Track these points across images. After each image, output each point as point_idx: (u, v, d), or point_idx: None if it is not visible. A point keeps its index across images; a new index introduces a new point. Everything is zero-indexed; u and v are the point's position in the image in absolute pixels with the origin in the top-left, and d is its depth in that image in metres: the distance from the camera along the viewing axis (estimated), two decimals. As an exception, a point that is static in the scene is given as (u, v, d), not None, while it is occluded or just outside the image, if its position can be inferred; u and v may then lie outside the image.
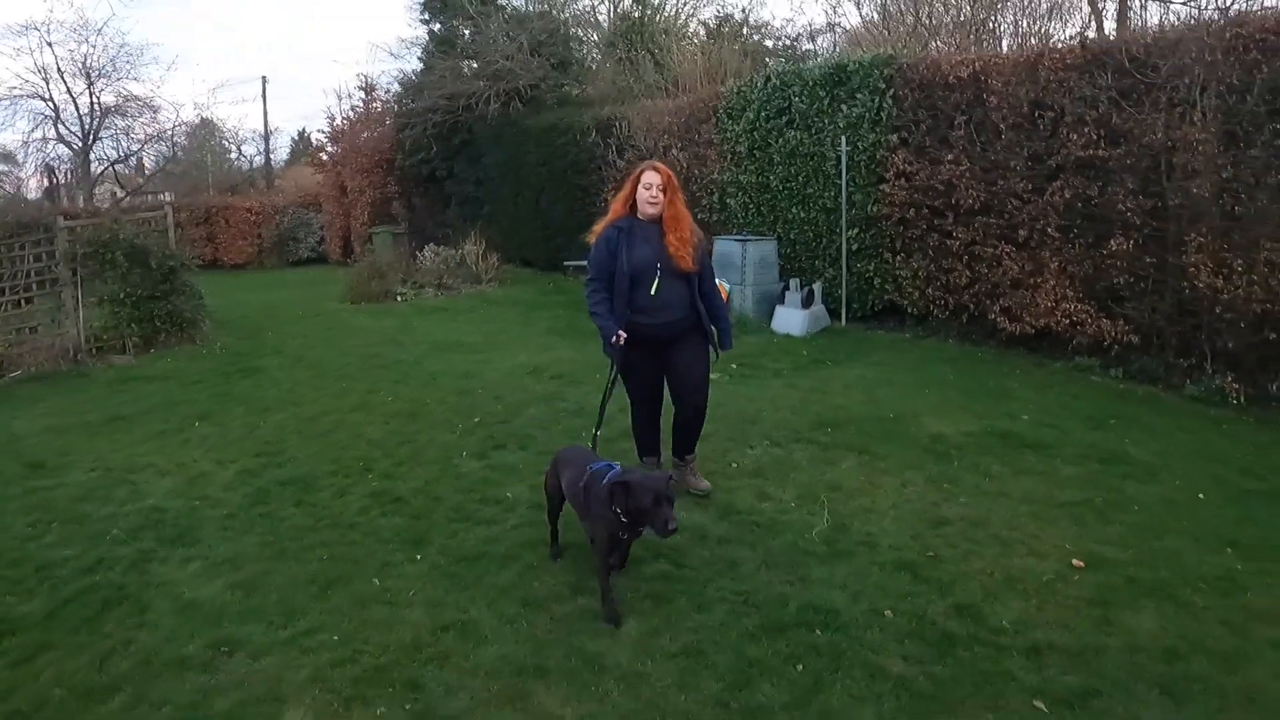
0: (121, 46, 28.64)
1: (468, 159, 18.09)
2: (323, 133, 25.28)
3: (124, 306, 10.26)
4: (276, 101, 72.16)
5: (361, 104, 22.12)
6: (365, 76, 36.60)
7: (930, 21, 13.73)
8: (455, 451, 6.34)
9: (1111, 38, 9.30)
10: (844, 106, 9.98)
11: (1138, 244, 7.82)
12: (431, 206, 19.82)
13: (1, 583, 4.64)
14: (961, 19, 13.45)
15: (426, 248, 15.25)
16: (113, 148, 28.17)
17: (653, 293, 4.94)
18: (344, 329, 11.52)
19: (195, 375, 9.24)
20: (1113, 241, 7.93)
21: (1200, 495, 5.33)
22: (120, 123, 27.51)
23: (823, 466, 5.90)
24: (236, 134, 43.70)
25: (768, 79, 11.07)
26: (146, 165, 30.90)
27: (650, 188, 4.97)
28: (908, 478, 5.69)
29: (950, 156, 9.15)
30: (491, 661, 3.70)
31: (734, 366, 8.57)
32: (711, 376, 8.21)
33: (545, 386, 8.02)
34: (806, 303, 10.17)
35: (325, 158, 23.06)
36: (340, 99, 46.88)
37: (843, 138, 9.93)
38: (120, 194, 28.15)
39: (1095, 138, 7.95)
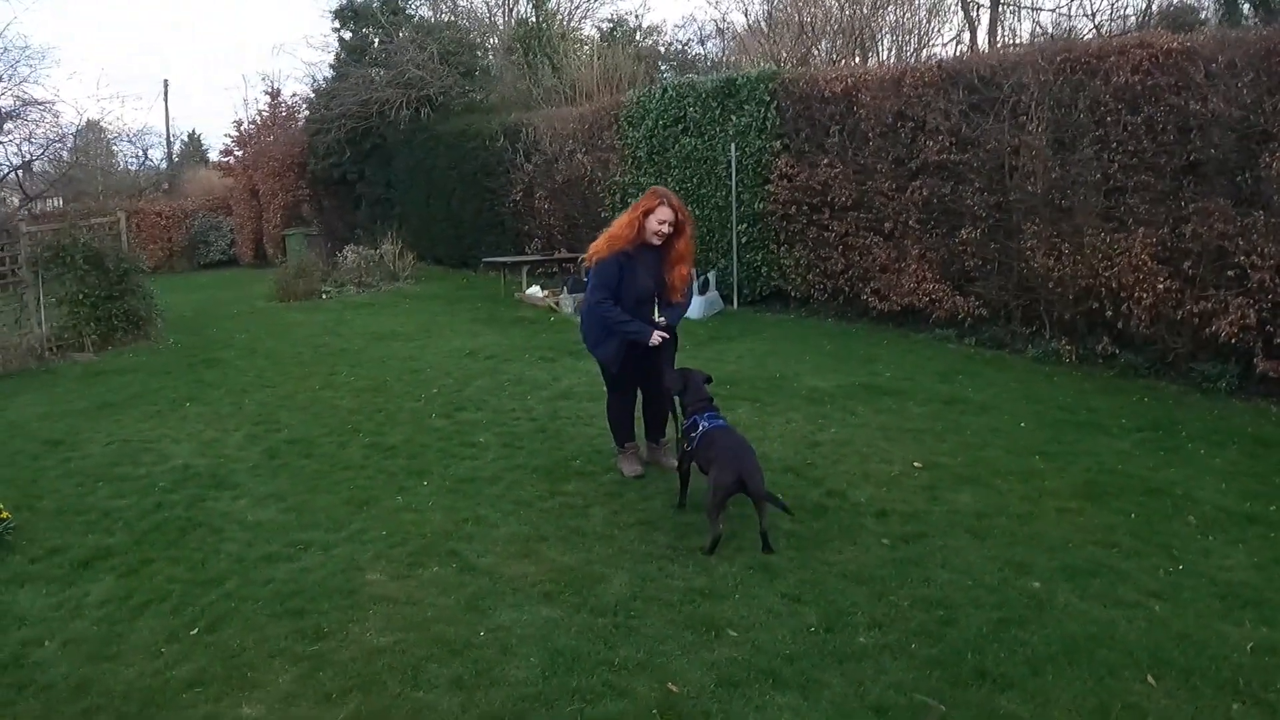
0: (24, 50, 27.68)
1: (379, 162, 18.71)
2: (230, 136, 25.43)
3: (83, 306, 10.64)
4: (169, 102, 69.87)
5: (268, 108, 22.49)
6: (269, 79, 36.44)
7: (814, 28, 15.00)
8: (424, 414, 7.21)
9: (971, 52, 10.67)
10: (734, 116, 11.21)
11: (984, 233, 9.10)
12: (342, 208, 20.27)
13: (79, 525, 5.27)
14: (843, 25, 14.75)
15: (347, 248, 15.86)
16: (15, 154, 27.56)
17: (656, 316, 5.45)
18: (282, 324, 12.09)
19: (161, 368, 9.71)
20: (964, 231, 9.22)
21: (1021, 424, 6.60)
22: (21, 128, 27.00)
23: (724, 412, 7.04)
24: (138, 136, 42.64)
25: (665, 90, 12.25)
26: (45, 170, 30.25)
27: (664, 224, 5.21)
28: (790, 417, 6.89)
29: (826, 160, 10.41)
30: (505, 536, 4.84)
31: (642, 345, 9.66)
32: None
33: (483, 365, 8.89)
34: (703, 290, 11.32)
35: (233, 161, 23.30)
36: (246, 103, 46.26)
37: (732, 144, 11.14)
38: (17, 201, 27.59)
39: (949, 144, 9.24)
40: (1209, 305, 7.19)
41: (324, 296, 14.01)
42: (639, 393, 5.83)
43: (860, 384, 7.82)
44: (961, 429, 6.53)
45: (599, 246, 5.36)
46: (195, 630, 3.95)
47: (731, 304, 11.74)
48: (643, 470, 5.73)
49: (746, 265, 11.65)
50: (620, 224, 5.32)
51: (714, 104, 11.45)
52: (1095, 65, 7.95)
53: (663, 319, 5.47)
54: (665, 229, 5.20)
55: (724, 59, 17.23)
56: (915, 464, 5.80)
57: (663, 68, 17.99)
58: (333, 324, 11.55)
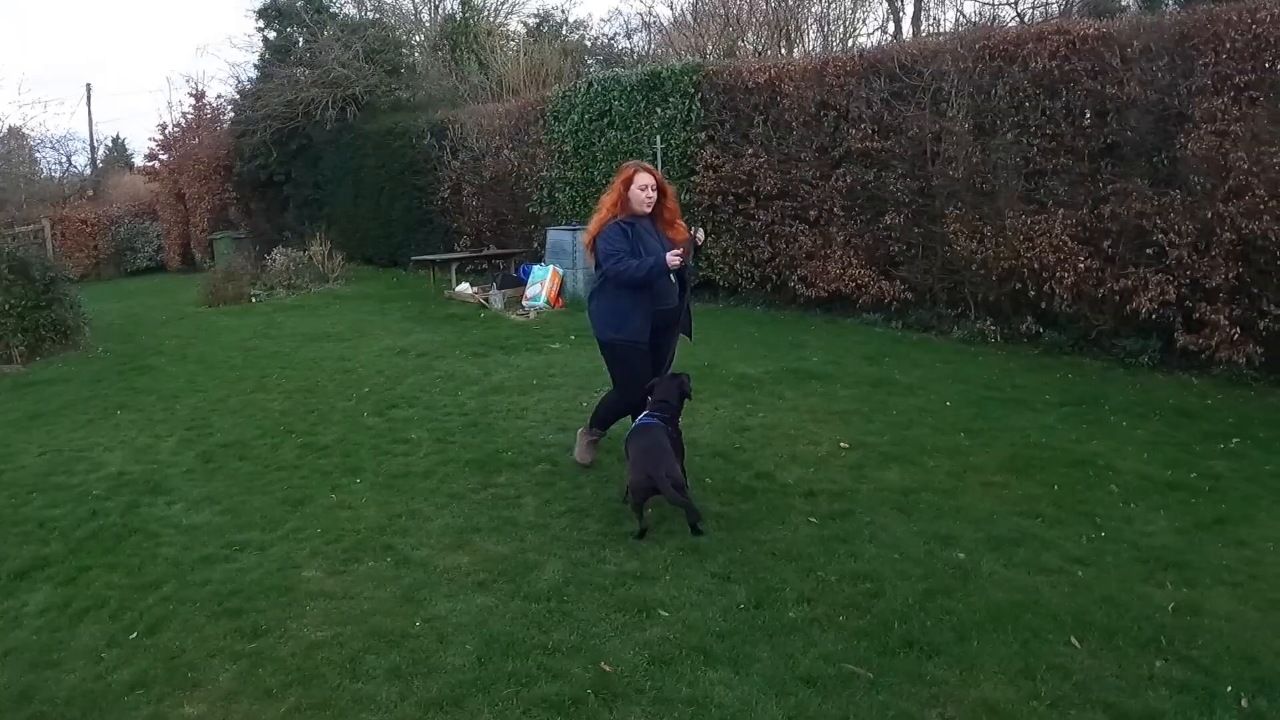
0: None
1: (306, 163, 18.39)
2: (154, 140, 24.70)
3: (9, 317, 10.24)
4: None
5: (192, 110, 21.97)
6: (194, 81, 35.44)
7: (740, 20, 15.12)
8: (357, 413, 7.10)
9: (893, 40, 10.84)
10: (658, 109, 11.24)
11: (908, 218, 9.26)
12: (269, 210, 19.88)
13: (14, 536, 5.12)
14: (769, 17, 14.87)
15: (275, 250, 15.56)
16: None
17: (673, 281, 5.21)
18: (212, 329, 11.83)
19: (92, 376, 9.43)
20: (887, 217, 9.38)
21: (947, 403, 6.72)
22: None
23: (652, 399, 7.08)
24: (61, 143, 41.31)
25: (590, 85, 12.24)
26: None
27: (646, 188, 5.11)
28: (719, 404, 6.91)
29: (751, 150, 10.49)
30: (439, 529, 4.82)
31: (573, 337, 9.62)
32: (554, 346, 9.38)
33: (415, 362, 8.77)
34: (633, 283, 11.34)
35: (158, 165, 22.70)
36: (170, 106, 44.98)
37: (658, 136, 11.15)
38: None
39: (871, 132, 9.38)
40: (1129, 283, 7.39)
41: (253, 300, 13.72)
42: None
43: (788, 369, 7.88)
44: (888, 409, 6.62)
45: (594, 225, 5.24)
46: (135, 634, 3.91)
47: (661, 296, 11.70)
48: (592, 462, 5.68)
49: (674, 256, 11.62)
50: (605, 202, 5.23)
51: (639, 97, 11.48)
52: (1014, 52, 8.14)
53: (677, 255, 5.08)
54: (650, 193, 5.14)
55: (650, 52, 17.27)
56: (842, 445, 5.86)
57: (589, 62, 17.92)
58: (263, 327, 11.33)
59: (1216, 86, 6.72)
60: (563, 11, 23.42)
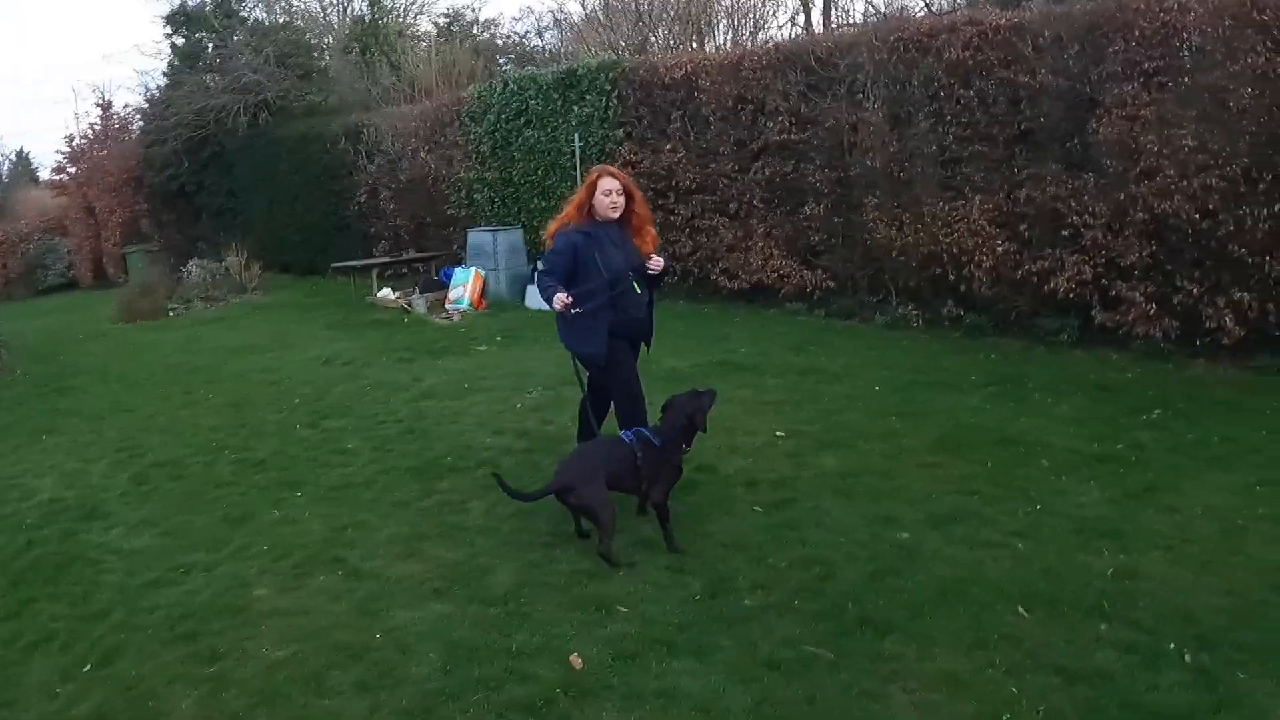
0: None
1: (219, 171, 17.87)
2: (61, 153, 23.69)
3: None
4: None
5: (100, 121, 21.14)
6: (100, 91, 34.04)
7: (651, 15, 15.17)
8: (289, 426, 6.94)
9: (805, 35, 11.00)
10: (575, 107, 11.22)
11: (828, 208, 9.39)
12: (182, 221, 19.24)
13: None
14: (680, 11, 14.95)
15: (192, 262, 15.08)
16: None
17: (639, 292, 5.01)
18: (133, 345, 11.43)
19: (13, 400, 9.08)
20: (807, 208, 9.51)
21: (876, 388, 6.85)
22: None
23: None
24: None
25: (506, 84, 12.16)
26: None
27: (610, 193, 4.93)
28: (652, 399, 6.89)
29: (669, 146, 10.53)
30: (387, 538, 4.75)
31: (499, 339, 9.56)
32: (481, 349, 9.29)
33: (342, 371, 8.60)
34: (557, 282, 11.31)
35: (66, 179, 21.79)
36: (77, 117, 43.09)
37: (576, 134, 11.15)
38: None
39: (789, 124, 9.49)
40: (1046, 264, 7.61)
41: (171, 314, 13.26)
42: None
43: (717, 361, 7.96)
44: (819, 397, 6.72)
45: (552, 226, 5.13)
46: (89, 666, 3.79)
47: (586, 294, 11.70)
48: None
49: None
50: (570, 204, 5.08)
51: (555, 95, 11.45)
52: (928, 43, 8.32)
53: (653, 263, 4.99)
54: (616, 198, 4.94)
55: (562, 50, 17.22)
56: (778, 434, 5.94)
57: (501, 61, 17.80)
58: (184, 342, 10.99)
59: (1126, 73, 6.98)
60: (473, 11, 23.20)
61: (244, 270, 14.26)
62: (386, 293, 11.61)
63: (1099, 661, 3.22)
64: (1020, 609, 3.59)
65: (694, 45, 15.77)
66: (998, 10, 8.10)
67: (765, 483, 5.10)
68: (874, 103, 8.80)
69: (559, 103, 11.42)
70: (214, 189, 18.13)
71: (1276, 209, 6.15)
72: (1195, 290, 6.71)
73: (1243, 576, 3.76)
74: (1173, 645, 3.27)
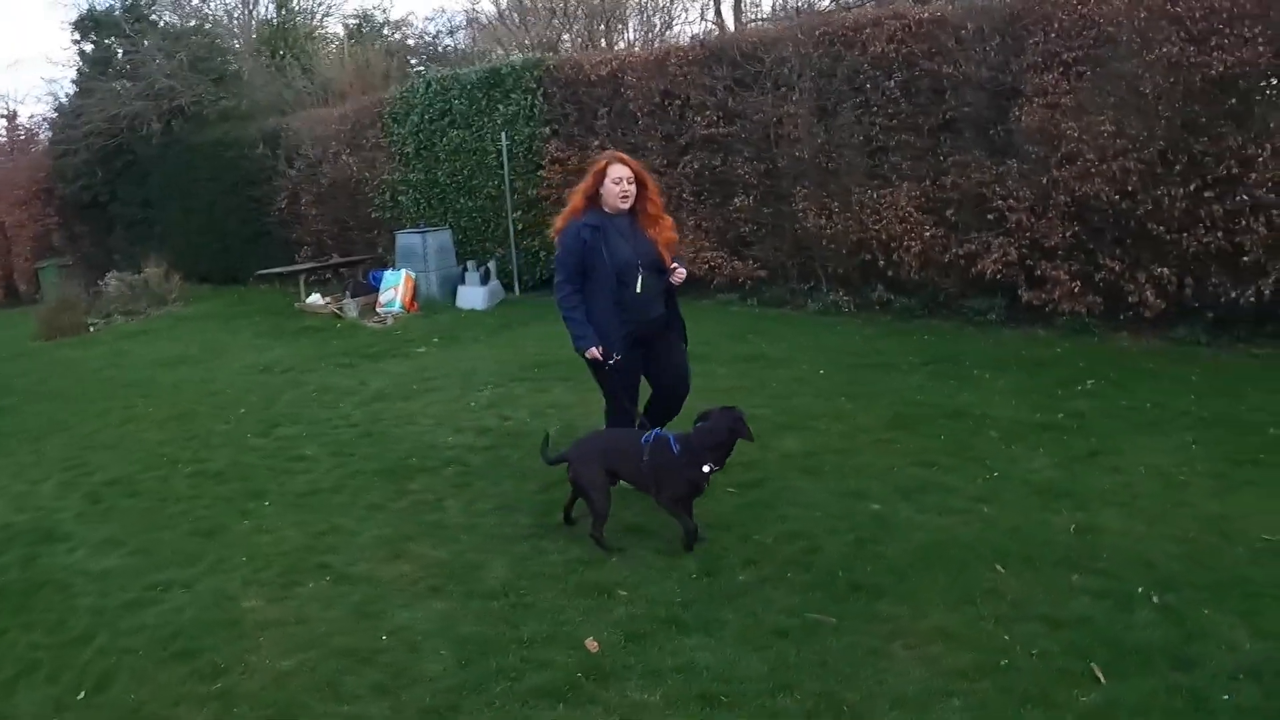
0: None
1: (133, 181, 17.15)
2: None
3: None
4: None
5: (5, 132, 20.14)
6: (6, 100, 32.36)
7: (565, 13, 15.21)
8: (240, 435, 6.76)
9: (721, 31, 11.20)
10: (500, 105, 11.23)
11: (757, 199, 9.62)
12: (96, 233, 18.43)
13: None
14: (592, 9, 15.02)
15: (110, 275, 14.49)
16: None
17: (639, 291, 4.62)
18: (60, 363, 10.98)
19: None
20: (737, 199, 9.72)
21: (820, 372, 7.10)
22: None
23: (539, 394, 7.14)
24: None
25: (429, 84, 12.08)
26: None
27: (620, 182, 4.58)
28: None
29: (597, 142, 10.59)
30: (369, 541, 4.69)
31: (435, 340, 9.54)
32: (420, 350, 9.26)
33: (283, 379, 8.44)
34: (484, 280, 11.32)
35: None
36: None
37: (503, 133, 11.17)
38: None
39: (716, 118, 9.69)
40: (973, 247, 7.98)
41: (91, 330, 12.74)
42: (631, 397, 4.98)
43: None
44: (767, 383, 6.93)
45: (560, 219, 4.80)
46: (82, 694, 3.61)
47: (513, 292, 11.78)
48: None
49: (525, 252, 11.73)
50: (575, 194, 4.76)
51: (480, 95, 11.44)
52: (853, 37, 8.61)
53: (676, 275, 4.74)
54: (626, 187, 4.59)
55: (475, 49, 17.11)
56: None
57: (413, 62, 17.61)
58: (111, 356, 10.59)
59: (1046, 63, 7.36)
60: (383, 11, 22.77)
61: (164, 281, 13.82)
62: (316, 298, 11.44)
63: (1076, 608, 3.47)
64: (997, 566, 3.82)
65: (604, 43, 15.94)
66: (920, 5, 8.44)
67: (734, 465, 5.12)
68: (800, 95, 9.05)
69: (483, 102, 11.41)
70: (128, 199, 17.44)
71: (1192, 189, 6.59)
72: (1117, 267, 7.14)
73: (1191, 526, 4.08)
74: (1140, 589, 3.55)
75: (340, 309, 10.94)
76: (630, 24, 16.26)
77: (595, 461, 4.34)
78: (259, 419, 7.14)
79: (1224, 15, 6.27)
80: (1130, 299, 7.10)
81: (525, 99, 11.04)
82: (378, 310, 10.88)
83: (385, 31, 19.16)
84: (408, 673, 3.45)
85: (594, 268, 4.60)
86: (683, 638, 3.48)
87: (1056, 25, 7.22)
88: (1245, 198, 6.35)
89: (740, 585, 3.86)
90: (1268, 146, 6.17)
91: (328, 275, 13.23)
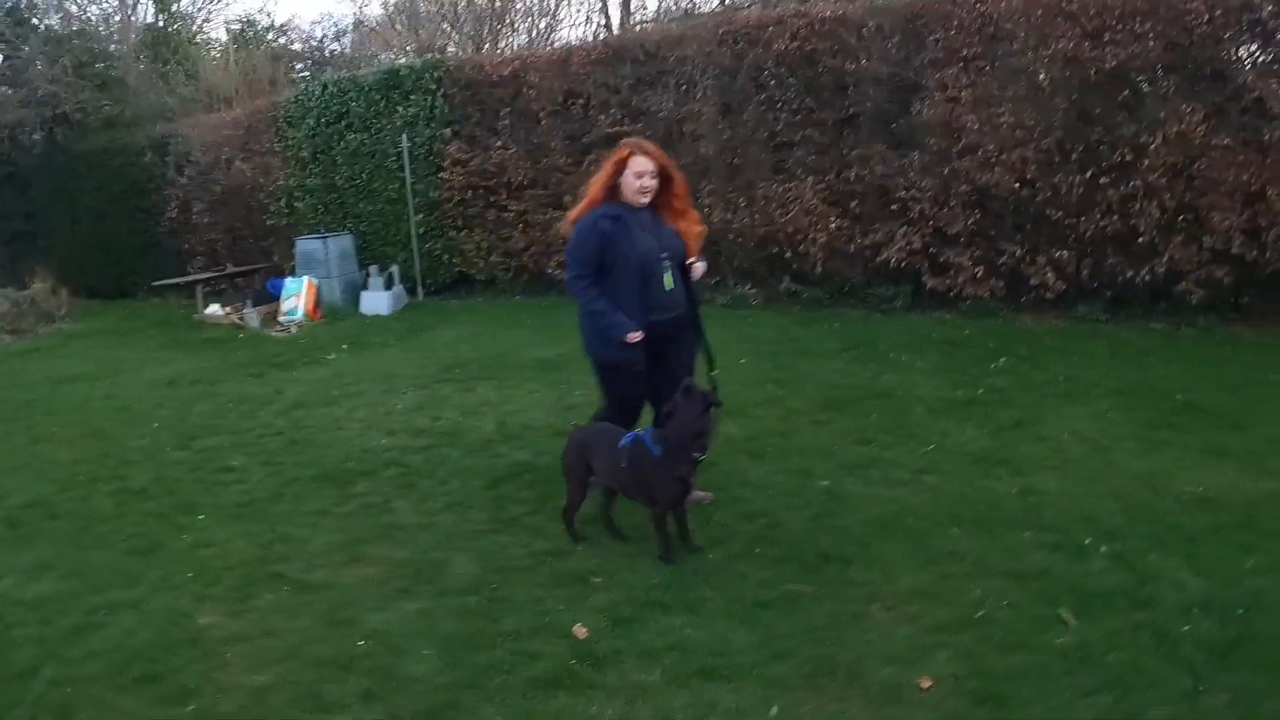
0: None
1: (14, 192, 15.94)
2: None
3: None
4: None
5: None
6: None
7: (455, 16, 15.10)
8: (157, 450, 6.44)
9: (610, 33, 11.33)
10: (400, 107, 11.06)
11: (662, 198, 9.84)
12: None
13: None
14: (478, 13, 14.95)
15: None
16: None
17: (667, 288, 4.30)
18: None
19: None
20: (643, 198, 9.90)
21: (742, 361, 7.23)
22: None
23: (466, 394, 7.09)
24: None
25: (325, 86, 11.79)
26: None
27: (642, 176, 4.20)
28: (533, 388, 7.07)
29: (500, 143, 10.63)
30: (323, 547, 4.53)
31: (344, 347, 9.34)
32: (330, 357, 9.06)
33: (192, 391, 8.08)
34: (388, 285, 11.15)
35: None
36: None
37: (403, 135, 11.01)
38: None
39: (620, 117, 9.81)
40: (878, 237, 8.31)
41: (-30, 351, 11.87)
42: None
43: (580, 349, 8.05)
44: (694, 374, 7.05)
45: (575, 211, 4.41)
46: None
47: (416, 295, 11.64)
48: None
49: (427, 255, 11.59)
50: (593, 184, 4.36)
51: (378, 97, 11.25)
52: (756, 35, 8.85)
53: (696, 268, 4.47)
54: (648, 182, 4.22)
55: (362, 53, 16.77)
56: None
57: (298, 67, 17.15)
58: (4, 377, 9.86)
59: (947, 59, 7.74)
60: (268, 15, 21.97)
61: (51, 297, 13.01)
62: (215, 309, 11.02)
63: (1035, 561, 3.70)
64: (953, 530, 4.04)
65: (487, 47, 15.86)
66: (823, 3, 8.74)
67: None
68: (704, 93, 9.24)
69: (382, 104, 11.22)
70: (9, 212, 16.26)
71: (1088, 175, 7.04)
72: (1018, 252, 7.57)
73: (1122, 483, 4.39)
74: (1087, 541, 3.82)
75: (242, 319, 10.58)
76: (519, 27, 16.23)
77: (574, 449, 4.33)
78: (176, 432, 6.84)
79: (1116, 12, 6.74)
80: (1032, 281, 7.53)
81: (425, 100, 10.92)
82: (280, 319, 10.57)
83: (269, 36, 18.60)
84: (394, 676, 3.35)
85: (615, 262, 4.20)
86: (668, 618, 3.52)
87: (956, 22, 7.61)
88: (1139, 183, 6.83)
89: (712, 564, 3.94)
90: (1159, 135, 6.65)
91: (223, 286, 12.75)
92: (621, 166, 4.23)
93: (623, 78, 9.79)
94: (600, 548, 4.22)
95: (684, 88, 9.43)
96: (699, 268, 4.50)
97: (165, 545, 4.80)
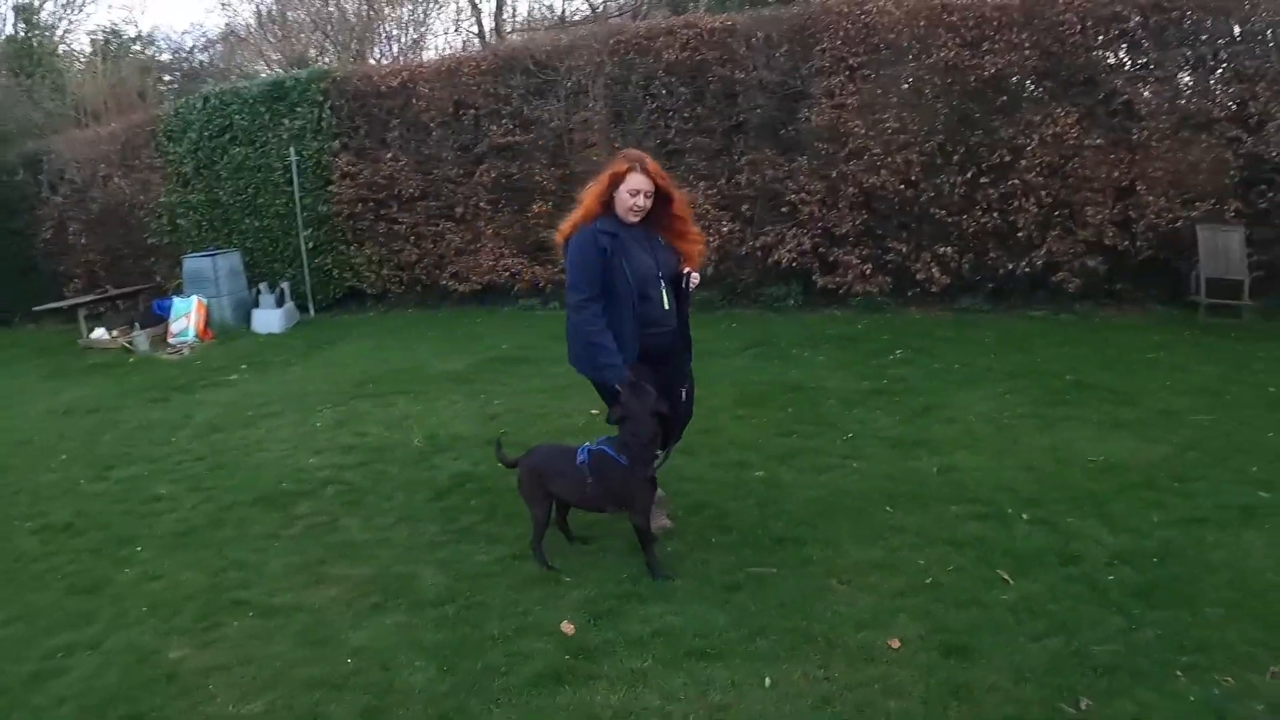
0: None
1: None
2: None
3: None
4: None
5: None
6: None
7: (330, 27, 14.87)
8: (73, 482, 6.17)
9: (483, 42, 11.41)
10: (286, 120, 10.92)
11: (555, 205, 9.95)
12: None
13: None
14: (348, 24, 14.79)
15: None
16: None
17: (665, 307, 4.21)
18: None
19: None
20: (535, 206, 10.06)
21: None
22: None
23: (385, 409, 7.11)
24: None
25: (206, 99, 11.49)
26: None
27: (638, 194, 4.04)
28: (451, 399, 7.18)
29: (390, 155, 10.64)
30: (280, 570, 4.46)
31: (244, 366, 9.16)
32: (231, 378, 8.88)
33: (93, 420, 7.76)
34: (279, 302, 10.97)
35: None
36: None
37: (291, 148, 10.86)
38: None
39: (512, 126, 9.99)
40: (769, 239, 8.73)
41: None
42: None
43: (489, 359, 8.29)
44: (606, 377, 7.30)
45: (568, 223, 4.21)
46: None
47: (308, 312, 11.49)
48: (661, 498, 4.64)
49: (317, 270, 11.47)
50: (587, 195, 4.18)
51: (262, 109, 11.07)
52: (647, 45, 9.17)
53: (693, 279, 4.33)
54: (641, 202, 4.05)
55: (233, 64, 16.26)
56: (593, 411, 6.36)
57: (166, 78, 16.51)
58: None
59: (833, 67, 8.22)
60: (135, 26, 20.83)
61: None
62: (101, 333, 10.57)
63: (968, 530, 4.12)
64: (888, 508, 4.43)
65: (355, 57, 15.67)
66: (711, 15, 9.14)
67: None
68: (596, 102, 9.50)
69: (267, 117, 11.04)
70: None
71: (969, 176, 7.64)
72: (904, 249, 8.13)
73: (1031, 457, 4.90)
74: (1010, 510, 4.28)
75: (130, 343, 10.22)
76: (389, 37, 16.08)
77: (528, 475, 4.29)
78: (87, 463, 6.59)
79: (994, 23, 7.37)
80: (918, 277, 8.10)
81: (312, 112, 10.81)
82: (170, 341, 10.25)
83: (136, 48, 17.74)
84: (392, 689, 3.36)
85: (613, 282, 4.06)
86: (646, 607, 3.73)
87: (842, 33, 8.11)
88: (1017, 182, 7.48)
89: (673, 555, 4.17)
90: (1035, 137, 7.30)
91: (103, 309, 12.20)
92: (618, 180, 4.07)
93: (513, 87, 9.95)
94: (561, 550, 4.33)
95: (575, 97, 9.66)
96: (695, 279, 4.37)
97: (110, 581, 4.61)
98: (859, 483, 4.78)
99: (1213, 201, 7.34)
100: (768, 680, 3.15)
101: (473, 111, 10.22)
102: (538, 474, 4.26)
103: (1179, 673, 2.97)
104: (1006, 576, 3.67)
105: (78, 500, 5.89)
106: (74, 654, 3.92)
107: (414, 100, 10.44)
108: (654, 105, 9.22)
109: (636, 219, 4.12)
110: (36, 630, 4.18)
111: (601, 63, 9.46)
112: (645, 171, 4.05)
